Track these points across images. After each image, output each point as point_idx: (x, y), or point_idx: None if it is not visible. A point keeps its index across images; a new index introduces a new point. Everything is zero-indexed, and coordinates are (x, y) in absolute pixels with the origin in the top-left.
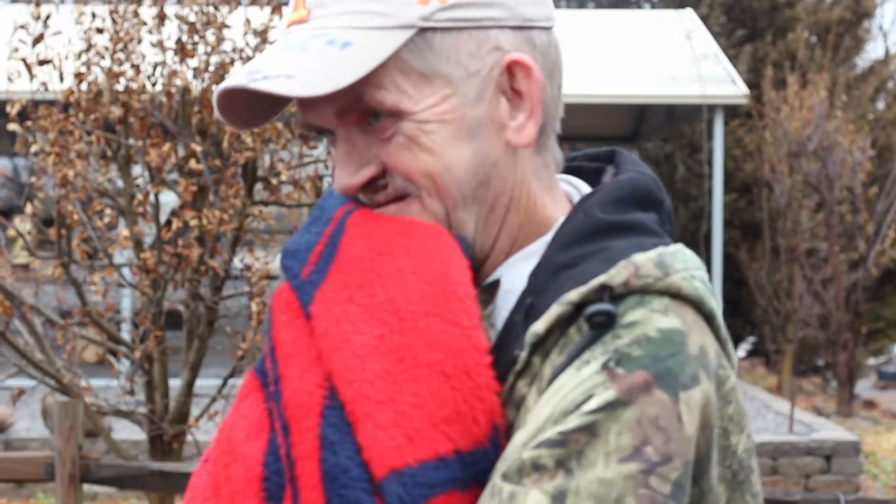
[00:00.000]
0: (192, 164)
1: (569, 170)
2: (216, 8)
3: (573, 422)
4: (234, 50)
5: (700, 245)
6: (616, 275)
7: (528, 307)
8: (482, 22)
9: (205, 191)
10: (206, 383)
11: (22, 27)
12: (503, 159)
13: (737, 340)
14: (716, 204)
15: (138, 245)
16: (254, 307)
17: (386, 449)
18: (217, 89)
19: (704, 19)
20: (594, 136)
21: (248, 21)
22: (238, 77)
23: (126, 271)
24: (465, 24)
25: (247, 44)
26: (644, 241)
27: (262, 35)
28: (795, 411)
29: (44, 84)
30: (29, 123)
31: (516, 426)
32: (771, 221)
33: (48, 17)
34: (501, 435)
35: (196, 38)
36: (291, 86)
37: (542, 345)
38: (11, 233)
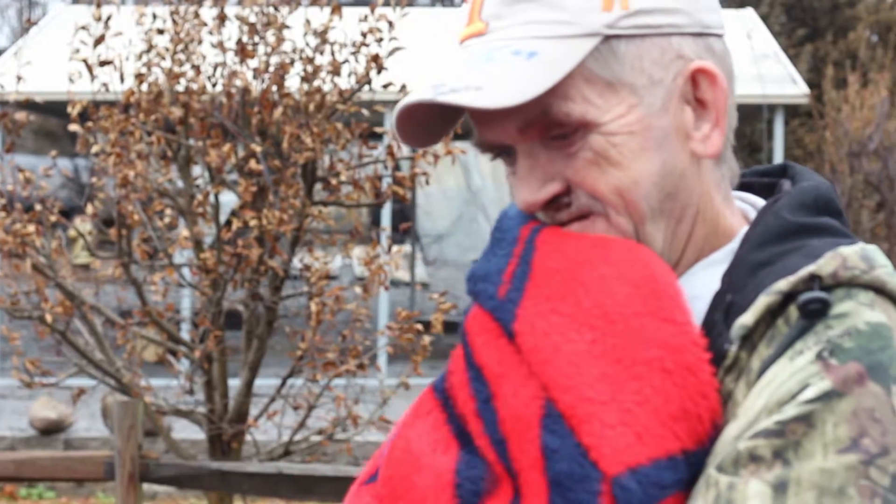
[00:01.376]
0: (252, 164)
1: (739, 186)
2: (276, 9)
3: (790, 411)
4: (293, 50)
5: None
6: (825, 265)
7: (727, 305)
8: (664, 29)
9: (264, 191)
10: (265, 383)
11: (83, 28)
12: (689, 170)
13: None
14: None
15: (198, 245)
16: (313, 307)
17: (618, 447)
18: (400, 104)
19: (765, 19)
20: None
21: (307, 21)
22: (423, 91)
23: (186, 271)
24: (648, 31)
25: (307, 44)
26: (840, 241)
27: (322, 36)
28: None
29: (105, 85)
30: (90, 124)
31: (724, 421)
32: None
33: (109, 18)
34: (719, 434)
35: (256, 38)
36: (481, 97)
37: (749, 338)
38: (72, 233)
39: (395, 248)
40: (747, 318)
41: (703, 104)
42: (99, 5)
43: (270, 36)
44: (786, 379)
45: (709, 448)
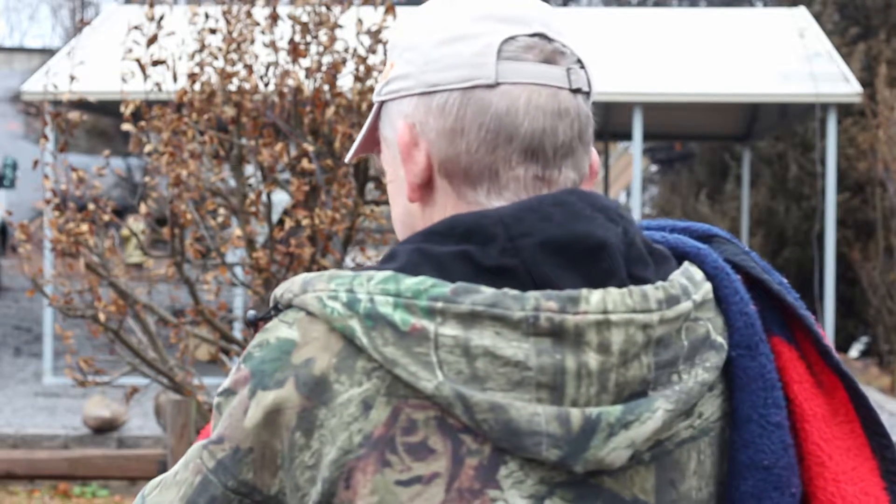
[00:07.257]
0: (305, 163)
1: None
2: (329, 8)
3: (214, 400)
4: (346, 50)
5: (812, 244)
6: (280, 288)
7: None
8: (400, 92)
9: (317, 190)
10: None
11: (136, 28)
12: (416, 210)
13: (850, 340)
14: (829, 203)
15: (251, 244)
16: None
17: None
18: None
19: (817, 17)
20: (706, 135)
21: (360, 21)
22: None
23: (238, 270)
24: (393, 95)
25: (360, 43)
26: (379, 265)
27: (375, 35)
28: None
29: (157, 84)
30: (143, 124)
31: None
32: (884, 221)
33: (162, 17)
34: None
35: (308, 38)
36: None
37: None
38: (125, 232)
39: None
40: None
41: None
42: (152, 5)
43: (323, 35)
44: None
45: None
